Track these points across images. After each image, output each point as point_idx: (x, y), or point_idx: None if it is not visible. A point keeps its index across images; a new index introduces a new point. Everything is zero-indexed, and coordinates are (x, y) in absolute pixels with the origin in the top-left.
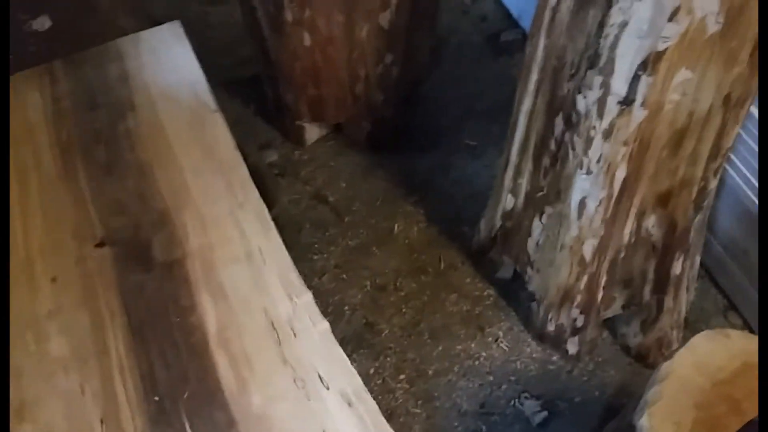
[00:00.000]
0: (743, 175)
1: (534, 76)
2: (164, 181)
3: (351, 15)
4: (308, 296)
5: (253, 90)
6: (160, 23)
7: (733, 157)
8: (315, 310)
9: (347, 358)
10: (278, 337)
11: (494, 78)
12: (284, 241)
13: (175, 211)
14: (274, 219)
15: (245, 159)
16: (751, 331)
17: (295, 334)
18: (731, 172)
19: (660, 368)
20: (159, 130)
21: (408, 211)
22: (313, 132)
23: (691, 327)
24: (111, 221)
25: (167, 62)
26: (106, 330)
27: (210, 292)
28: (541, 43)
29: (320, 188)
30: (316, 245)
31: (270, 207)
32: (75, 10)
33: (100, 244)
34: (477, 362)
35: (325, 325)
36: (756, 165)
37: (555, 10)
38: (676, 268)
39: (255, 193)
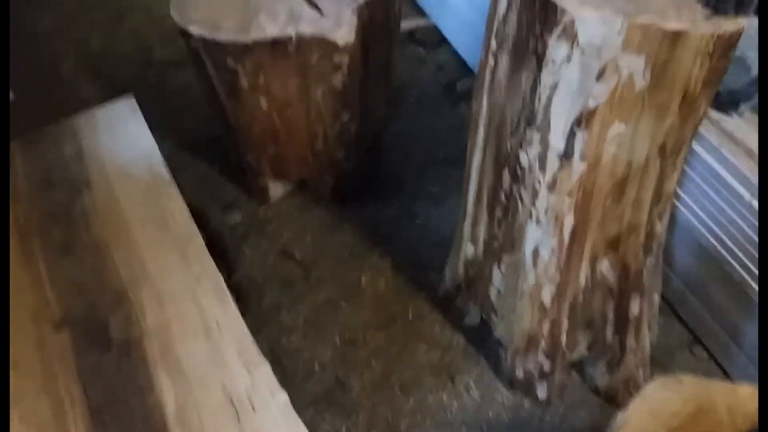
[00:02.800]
0: (694, 211)
1: (481, 132)
2: (121, 259)
3: (305, 78)
4: (266, 367)
5: (216, 150)
6: (122, 89)
7: (683, 194)
8: (273, 381)
9: (307, 430)
10: (237, 412)
11: (453, 125)
12: (250, 302)
13: (132, 289)
14: (237, 283)
15: (208, 222)
16: (717, 364)
17: (254, 409)
18: (682, 209)
19: (616, 418)
20: (115, 207)
21: (375, 262)
22: (277, 189)
23: (657, 363)
24: (69, 302)
25: (122, 137)
26: (66, 417)
27: (167, 370)
28: (484, 101)
29: (286, 245)
30: (284, 303)
31: (233, 271)
32: (38, 82)
33: (58, 326)
34: (449, 414)
35: (284, 397)
36: (705, 203)
37: (494, 71)
38: (634, 309)
39: (211, 264)
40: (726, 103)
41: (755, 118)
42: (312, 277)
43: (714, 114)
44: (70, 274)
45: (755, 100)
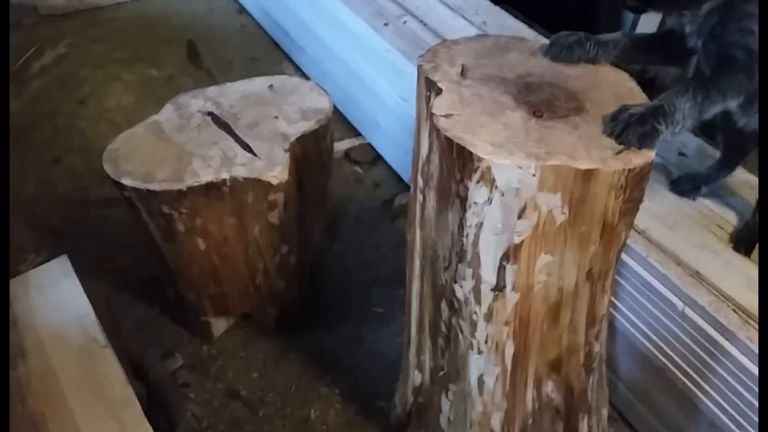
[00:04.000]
0: (632, 321)
1: (417, 262)
2: None
3: (241, 218)
4: None
5: (155, 289)
6: (59, 233)
7: (619, 304)
8: None
9: None
10: None
11: (393, 242)
12: None
13: None
14: None
15: (147, 374)
16: None
17: None
18: (621, 319)
19: None
20: (50, 376)
21: (323, 393)
22: (219, 324)
23: None
24: None
25: (55, 300)
26: None
27: None
28: (417, 233)
29: (231, 383)
30: None
31: (174, 425)
32: None
33: None
34: None
35: None
36: (641, 312)
37: (423, 206)
38: (583, 427)
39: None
40: (687, 188)
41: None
42: (260, 415)
43: (641, 224)
44: None
45: (716, 183)
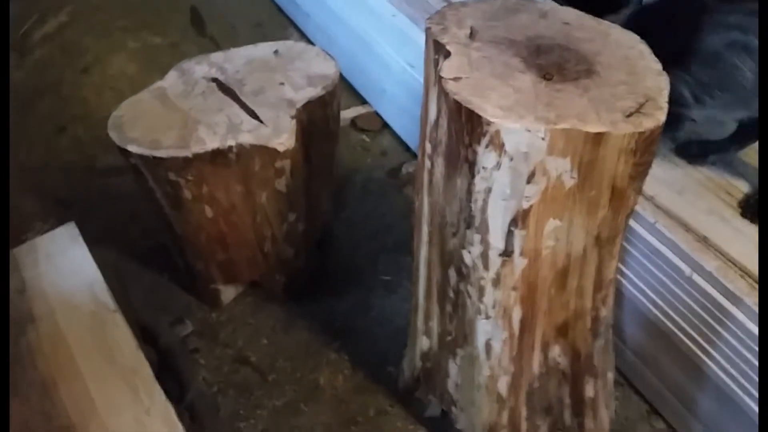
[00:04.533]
0: (638, 287)
1: (425, 229)
2: (68, 396)
3: (248, 185)
4: None
5: (164, 257)
6: (66, 201)
7: (626, 270)
8: None
9: None
10: None
11: (400, 210)
12: (205, 418)
13: (81, 427)
14: (191, 402)
15: (158, 339)
16: None
17: None
18: (627, 285)
19: None
20: (61, 341)
21: (332, 359)
22: (228, 292)
23: None
24: None
25: (64, 267)
26: None
27: None
28: (425, 200)
29: (241, 349)
30: (241, 412)
31: (185, 390)
32: None
33: None
34: None
35: None
36: (648, 277)
37: (431, 173)
38: (589, 390)
39: (160, 395)
40: (695, 154)
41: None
42: (269, 381)
43: (649, 190)
44: (18, 414)
45: (726, 155)
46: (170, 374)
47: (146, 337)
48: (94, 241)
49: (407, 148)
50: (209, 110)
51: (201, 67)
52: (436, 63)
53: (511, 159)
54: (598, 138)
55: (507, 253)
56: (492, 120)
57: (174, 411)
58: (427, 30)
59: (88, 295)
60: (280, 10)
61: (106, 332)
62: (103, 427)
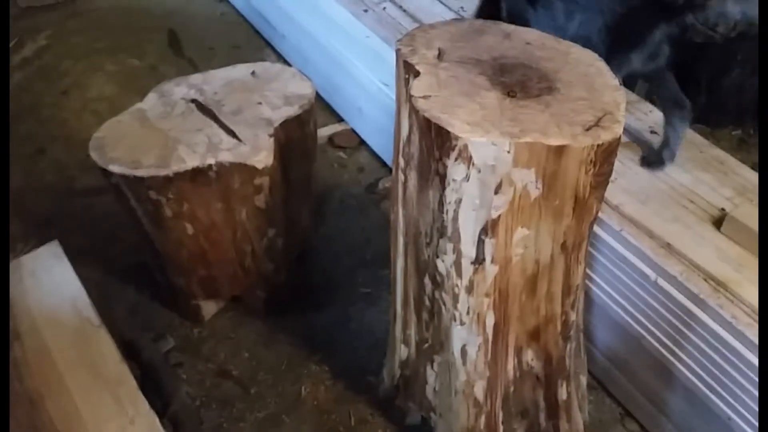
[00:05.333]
0: (607, 292)
1: (400, 240)
2: (55, 410)
3: (228, 202)
4: None
5: (146, 274)
6: (47, 222)
7: (595, 276)
8: None
9: None
10: None
11: (378, 224)
12: (189, 430)
13: None
14: (174, 415)
15: (140, 354)
16: None
17: None
18: (596, 290)
19: None
20: (46, 356)
21: (313, 371)
22: (209, 307)
23: None
24: None
25: (48, 284)
26: None
27: None
28: (400, 212)
29: (223, 363)
30: (224, 424)
31: (168, 403)
32: None
33: None
34: None
35: None
36: (616, 283)
37: (405, 186)
38: (562, 393)
39: (144, 405)
40: (653, 160)
41: (657, 202)
42: (251, 393)
43: (614, 200)
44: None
45: (675, 143)
46: (153, 389)
47: (129, 353)
48: (76, 260)
49: (384, 164)
50: (189, 130)
51: (180, 89)
52: (407, 82)
53: (479, 171)
54: (559, 150)
55: (478, 261)
56: (460, 135)
57: (158, 420)
58: (398, 51)
59: (72, 311)
60: (256, 32)
61: (91, 346)
62: None
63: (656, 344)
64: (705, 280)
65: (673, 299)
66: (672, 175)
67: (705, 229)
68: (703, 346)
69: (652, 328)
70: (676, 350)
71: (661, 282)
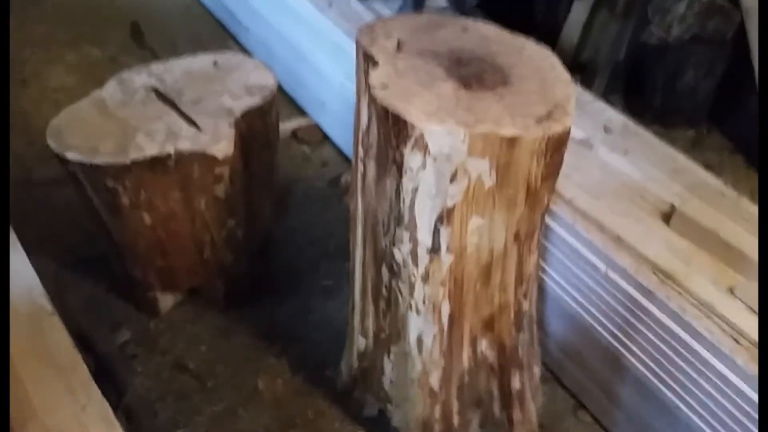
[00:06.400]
0: (559, 283)
1: (359, 230)
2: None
3: (187, 191)
4: None
5: (103, 266)
6: None
7: (547, 268)
8: None
9: None
10: None
11: (341, 218)
12: (143, 422)
13: (19, 426)
14: (127, 405)
15: (95, 346)
16: (601, 426)
17: None
18: (549, 282)
19: None
20: None
21: (271, 364)
22: (167, 300)
23: (547, 430)
24: None
25: None
26: None
27: None
28: (359, 202)
29: (179, 356)
30: (179, 418)
31: (122, 393)
32: None
33: None
34: None
35: None
36: (568, 275)
37: (364, 176)
38: (515, 383)
39: (97, 393)
40: None
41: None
42: (208, 386)
43: (567, 194)
44: None
45: None
46: (108, 381)
47: (84, 344)
48: (32, 251)
49: (347, 159)
50: (148, 118)
51: (140, 77)
52: (366, 72)
53: (435, 160)
54: (512, 141)
55: (434, 250)
56: (416, 124)
57: (111, 409)
58: (357, 42)
59: (26, 299)
60: (220, 24)
61: (44, 334)
62: (41, 425)
63: (607, 335)
64: (654, 272)
65: (623, 291)
66: (624, 171)
67: (655, 223)
68: (652, 337)
69: (603, 320)
70: (627, 341)
71: (612, 274)
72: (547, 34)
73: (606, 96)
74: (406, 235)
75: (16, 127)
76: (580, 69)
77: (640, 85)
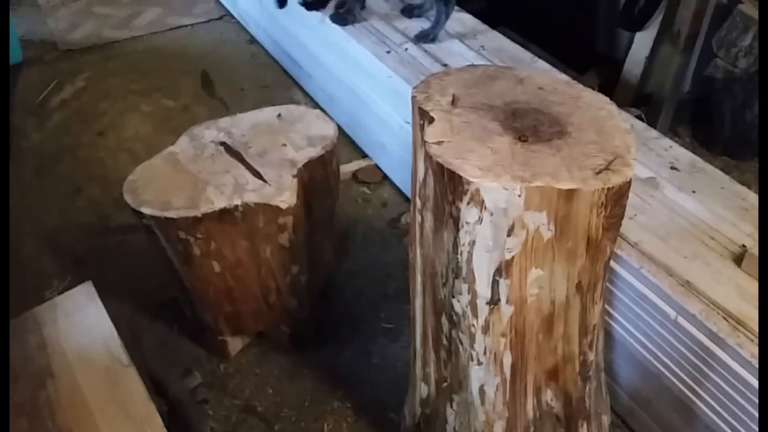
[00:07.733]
0: (628, 330)
1: (418, 279)
2: None
3: (253, 241)
4: None
5: (175, 310)
6: (82, 260)
7: (615, 314)
8: None
9: None
10: None
11: (401, 259)
12: None
13: None
14: None
15: (167, 390)
16: None
17: None
18: (617, 328)
19: None
20: (77, 394)
21: (336, 407)
22: (236, 343)
23: None
24: None
25: (81, 324)
26: None
27: None
28: (418, 251)
29: (248, 399)
30: None
31: None
32: None
33: None
34: None
35: None
36: (636, 321)
37: (422, 226)
38: None
39: None
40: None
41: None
42: (276, 429)
43: (633, 237)
44: None
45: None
46: (180, 425)
47: (157, 389)
48: (109, 296)
49: (407, 199)
50: (217, 172)
51: (210, 132)
52: (422, 127)
53: (492, 214)
54: (570, 194)
55: (494, 301)
56: (472, 180)
57: None
58: (413, 98)
59: (104, 351)
60: (285, 71)
61: (120, 385)
62: None
63: (678, 383)
64: (724, 318)
65: (693, 338)
66: (692, 211)
67: (725, 266)
68: (723, 385)
69: (673, 367)
70: (697, 389)
71: (681, 320)
72: (611, 68)
73: (674, 128)
74: (464, 287)
75: (94, 175)
76: (645, 101)
77: (707, 116)
